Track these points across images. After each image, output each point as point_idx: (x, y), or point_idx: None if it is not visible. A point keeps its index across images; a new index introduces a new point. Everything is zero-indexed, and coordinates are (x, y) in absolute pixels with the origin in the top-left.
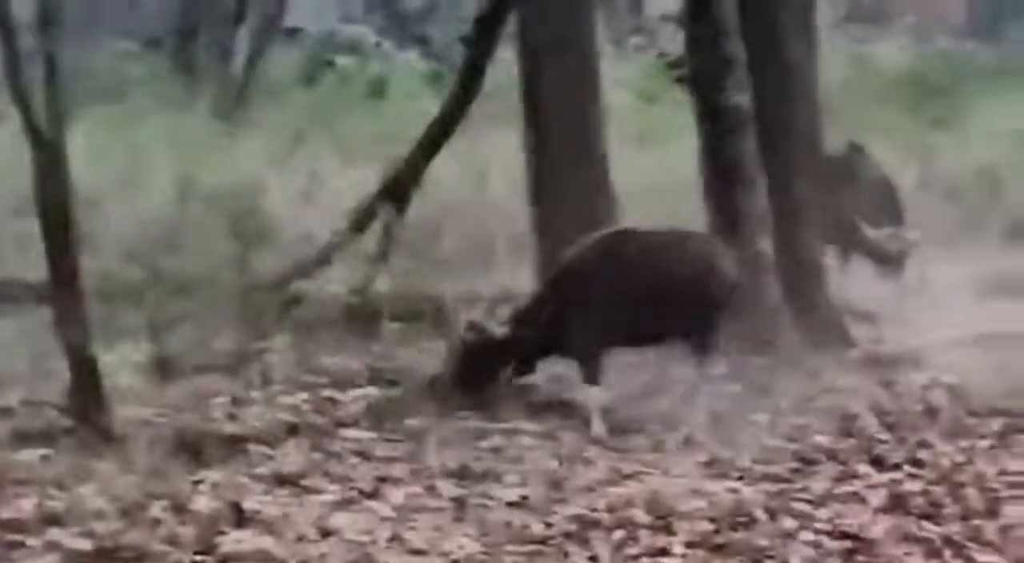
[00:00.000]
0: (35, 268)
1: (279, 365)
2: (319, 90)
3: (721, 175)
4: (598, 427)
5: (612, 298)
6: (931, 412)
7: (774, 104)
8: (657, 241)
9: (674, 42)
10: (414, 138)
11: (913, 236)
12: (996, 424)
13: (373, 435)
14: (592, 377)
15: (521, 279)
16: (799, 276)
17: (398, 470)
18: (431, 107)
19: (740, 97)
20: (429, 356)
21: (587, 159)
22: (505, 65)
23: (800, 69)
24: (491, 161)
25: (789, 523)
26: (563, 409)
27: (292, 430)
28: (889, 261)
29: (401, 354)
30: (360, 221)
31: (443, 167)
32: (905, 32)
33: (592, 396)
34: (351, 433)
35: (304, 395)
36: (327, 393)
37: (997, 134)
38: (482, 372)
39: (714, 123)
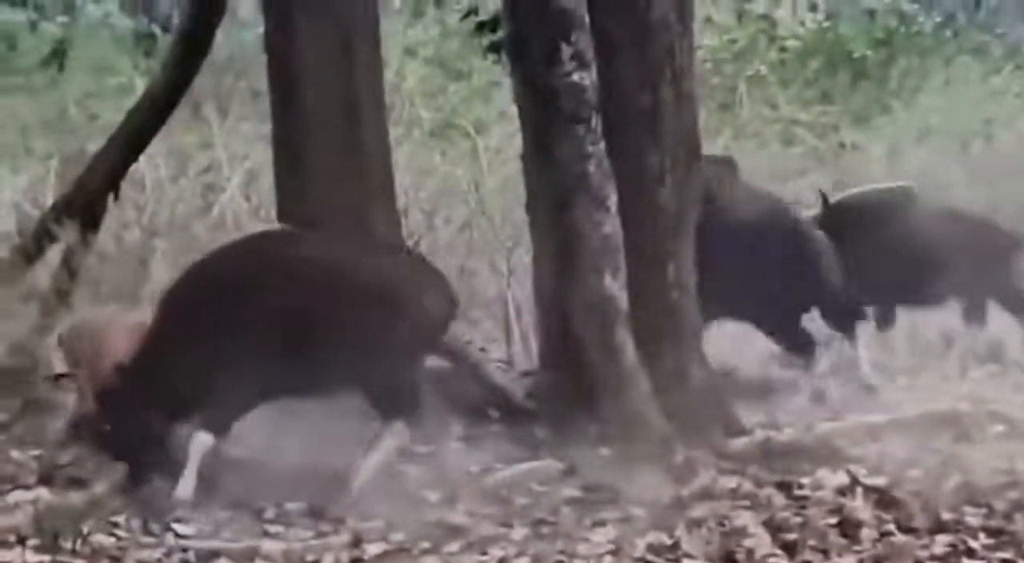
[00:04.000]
0: None
1: None
2: None
3: (555, 184)
4: (186, 486)
5: (256, 326)
6: (848, 527)
7: (631, 85)
8: (328, 252)
9: None
10: (110, 126)
11: None
12: (939, 545)
13: (45, 559)
14: (214, 425)
15: None
16: (665, 332)
17: None
18: (134, 83)
19: (581, 74)
20: None
21: (360, 159)
22: (245, 25)
23: (668, 37)
24: (222, 160)
25: None
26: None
27: None
28: None
29: None
30: (29, 247)
31: (152, 170)
32: None
33: (199, 444)
34: (12, 555)
35: None
36: None
37: (938, 134)
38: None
39: (543, 110)
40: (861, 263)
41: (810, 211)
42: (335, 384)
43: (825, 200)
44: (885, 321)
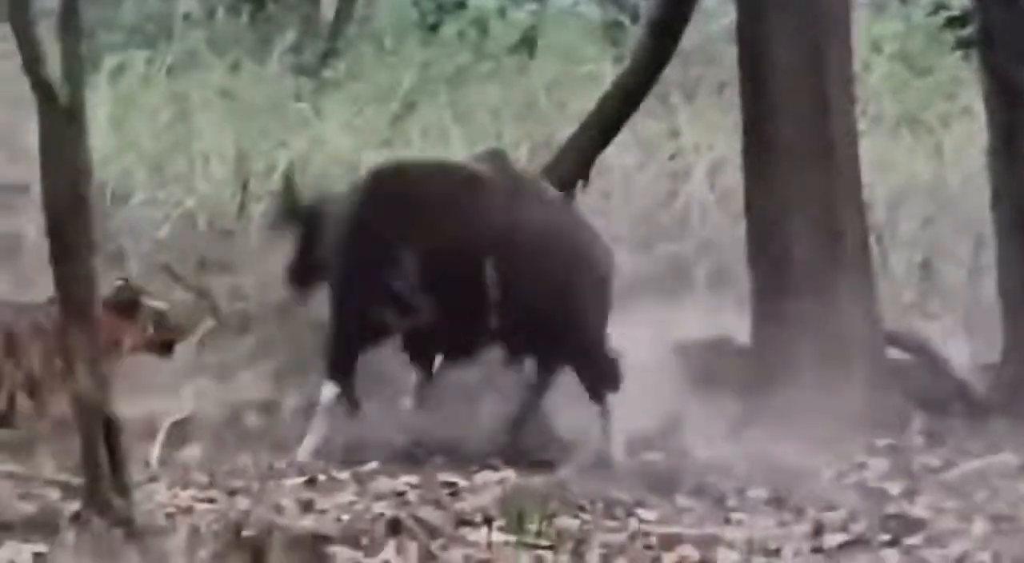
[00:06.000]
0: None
1: None
2: (442, 41)
3: (1020, 181)
4: None
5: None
6: None
7: None
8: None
9: None
10: (578, 115)
11: None
12: None
13: (511, 539)
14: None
15: (724, 316)
16: None
17: None
18: (603, 71)
19: None
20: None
21: (828, 151)
22: (712, 16)
23: None
24: (688, 151)
25: None
26: None
27: (394, 527)
28: None
29: (561, 423)
30: None
31: (618, 158)
32: None
33: None
34: (478, 535)
35: (412, 478)
36: (445, 475)
37: None
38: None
39: (1011, 107)
40: None
41: None
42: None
43: None
44: None
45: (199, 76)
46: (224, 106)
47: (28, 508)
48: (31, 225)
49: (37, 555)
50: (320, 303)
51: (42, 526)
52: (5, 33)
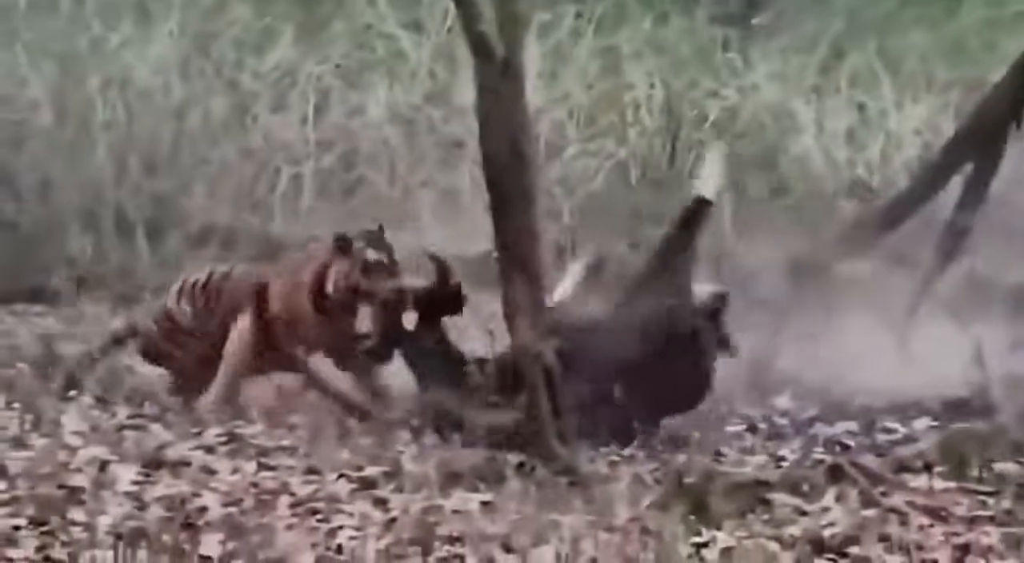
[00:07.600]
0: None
1: None
2: None
3: None
4: None
5: None
6: None
7: None
8: None
9: None
10: (1009, 56)
11: None
12: None
13: (951, 485)
14: None
15: None
16: None
17: (989, 537)
18: None
19: None
20: None
21: None
22: None
23: None
24: None
25: None
26: None
27: (835, 474)
28: None
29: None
30: (933, 176)
31: None
32: None
33: None
34: (919, 481)
35: (850, 424)
36: (883, 421)
37: None
38: None
39: None
40: None
41: None
42: None
43: None
44: None
45: (627, 29)
46: (653, 57)
47: (475, 458)
48: (466, 179)
49: (484, 503)
50: None
51: (488, 475)
52: None
